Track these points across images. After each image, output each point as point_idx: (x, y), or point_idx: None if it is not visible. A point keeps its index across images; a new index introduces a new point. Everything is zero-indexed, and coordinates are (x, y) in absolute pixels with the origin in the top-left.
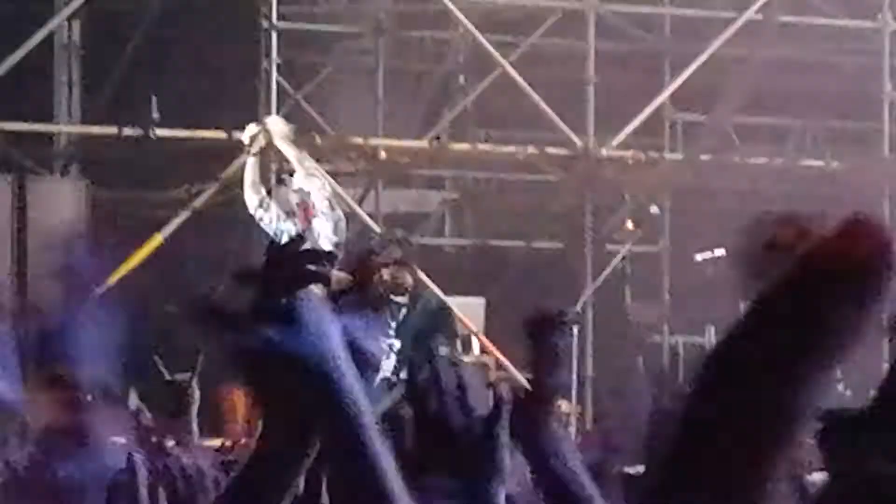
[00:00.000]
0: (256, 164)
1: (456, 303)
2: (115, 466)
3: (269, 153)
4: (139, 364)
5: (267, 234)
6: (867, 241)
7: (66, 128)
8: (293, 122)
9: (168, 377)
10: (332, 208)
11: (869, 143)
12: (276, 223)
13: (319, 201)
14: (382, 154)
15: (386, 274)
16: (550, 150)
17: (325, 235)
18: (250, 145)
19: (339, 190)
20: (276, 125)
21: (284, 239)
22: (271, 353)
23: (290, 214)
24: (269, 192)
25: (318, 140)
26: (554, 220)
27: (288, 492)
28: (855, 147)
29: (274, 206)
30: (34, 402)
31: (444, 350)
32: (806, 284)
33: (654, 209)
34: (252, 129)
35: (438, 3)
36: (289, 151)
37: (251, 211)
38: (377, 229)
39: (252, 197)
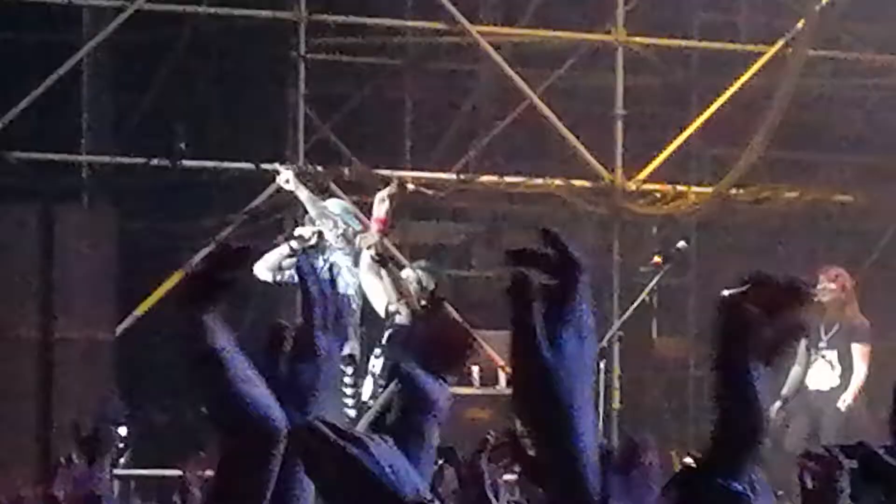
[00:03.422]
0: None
1: (483, 336)
2: None
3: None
4: None
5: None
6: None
7: (93, 157)
8: (321, 154)
9: None
10: (348, 242)
11: None
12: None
13: (333, 239)
14: (410, 186)
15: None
16: (577, 182)
17: (346, 267)
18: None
19: (365, 220)
20: (284, 176)
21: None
22: None
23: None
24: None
25: (346, 172)
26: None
27: None
28: (885, 182)
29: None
30: None
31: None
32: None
33: (681, 243)
34: (287, 174)
35: (467, 36)
36: (301, 194)
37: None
38: (403, 261)
39: (265, 272)
